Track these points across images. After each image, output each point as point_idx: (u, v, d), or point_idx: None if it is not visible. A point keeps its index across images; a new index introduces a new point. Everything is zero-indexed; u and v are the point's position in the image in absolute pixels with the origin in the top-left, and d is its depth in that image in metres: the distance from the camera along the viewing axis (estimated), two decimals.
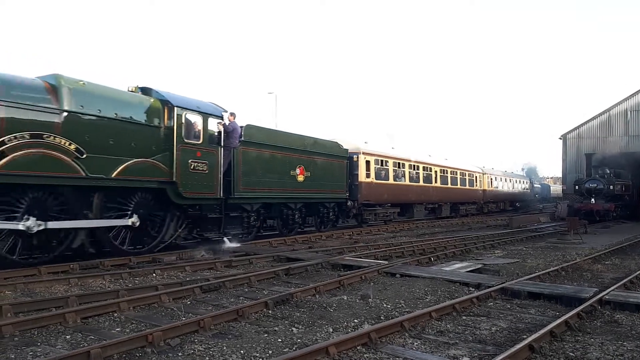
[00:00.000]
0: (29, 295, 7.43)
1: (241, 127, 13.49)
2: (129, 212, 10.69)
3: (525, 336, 5.51)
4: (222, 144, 12.51)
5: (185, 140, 11.50)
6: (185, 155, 11.47)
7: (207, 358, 4.82)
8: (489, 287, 8.08)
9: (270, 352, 5.01)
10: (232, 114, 13.10)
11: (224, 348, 5.08)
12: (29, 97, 8.92)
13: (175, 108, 11.31)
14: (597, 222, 25.52)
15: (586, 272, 10.37)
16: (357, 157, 19.89)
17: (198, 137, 11.84)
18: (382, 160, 21.99)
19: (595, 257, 12.30)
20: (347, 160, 18.66)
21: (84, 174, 9.56)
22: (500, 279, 8.87)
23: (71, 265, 9.72)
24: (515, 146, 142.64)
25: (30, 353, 4.85)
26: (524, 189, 45.44)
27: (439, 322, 6.24)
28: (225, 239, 12.89)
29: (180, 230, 11.97)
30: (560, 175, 39.48)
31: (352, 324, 6.09)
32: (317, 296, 7.56)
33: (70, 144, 9.38)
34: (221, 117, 12.70)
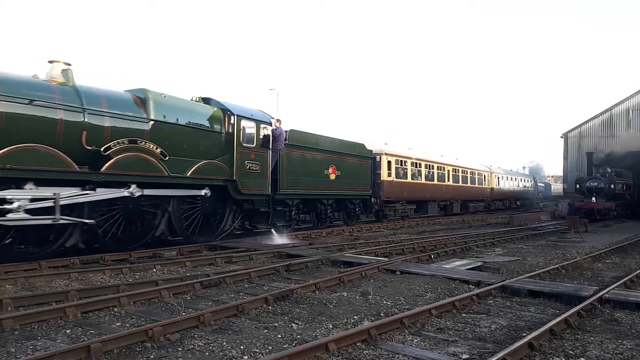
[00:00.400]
0: (29, 289, 7.45)
1: (285, 131, 14.95)
2: (199, 206, 12.38)
3: (525, 334, 5.51)
4: (270, 147, 14.07)
5: (243, 144, 13.25)
6: (243, 157, 13.21)
7: (207, 353, 4.83)
8: (489, 284, 8.08)
9: (270, 347, 5.02)
10: (278, 120, 14.66)
11: (224, 343, 5.09)
12: (125, 109, 10.73)
13: (235, 116, 13.05)
14: (597, 221, 25.52)
15: (586, 270, 10.37)
16: (380, 158, 21.55)
17: (252, 142, 13.55)
18: (401, 161, 23.67)
19: (596, 255, 12.30)
20: (371, 161, 20.19)
21: (167, 174, 11.23)
22: (501, 277, 8.87)
23: (72, 260, 9.74)
24: (519, 144, 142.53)
25: (31, 347, 4.86)
26: (528, 187, 46.73)
27: (439, 320, 6.24)
28: (272, 230, 14.48)
29: (237, 222, 13.74)
30: (561, 173, 39.65)
31: (352, 321, 6.10)
32: (317, 292, 7.57)
33: (157, 148, 11.01)
34: (270, 124, 14.33)
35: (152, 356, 4.73)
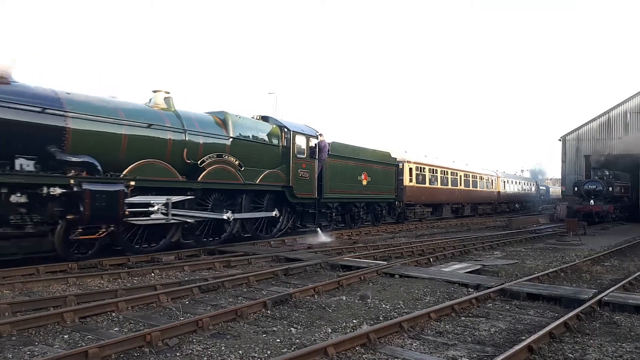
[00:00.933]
0: (26, 294, 7.42)
1: (328, 143, 17.19)
2: (263, 208, 14.59)
3: (524, 337, 5.51)
4: (317, 157, 16.47)
5: (297, 156, 15.57)
6: (296, 167, 15.53)
7: (205, 358, 4.81)
8: (488, 288, 8.07)
9: (268, 352, 5.00)
10: (321, 134, 16.93)
11: (223, 348, 5.07)
12: (212, 129, 13.08)
13: (291, 132, 15.40)
14: (596, 224, 25.52)
15: (585, 273, 10.36)
16: (403, 165, 23.89)
17: (303, 153, 15.92)
18: (420, 167, 26.07)
19: (594, 258, 12.30)
20: (395, 167, 22.29)
21: (242, 181, 13.42)
22: (500, 280, 8.86)
23: (69, 265, 9.71)
24: (520, 147, 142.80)
25: (28, 352, 4.83)
26: (531, 190, 49.05)
27: (438, 323, 6.23)
28: (318, 229, 16.51)
29: (290, 222, 15.89)
30: (559, 176, 39.85)
31: (351, 325, 6.08)
32: (316, 296, 7.55)
33: (235, 160, 13.33)
34: (316, 137, 16.67)
35: None
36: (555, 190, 56.85)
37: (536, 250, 14.59)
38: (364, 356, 4.94)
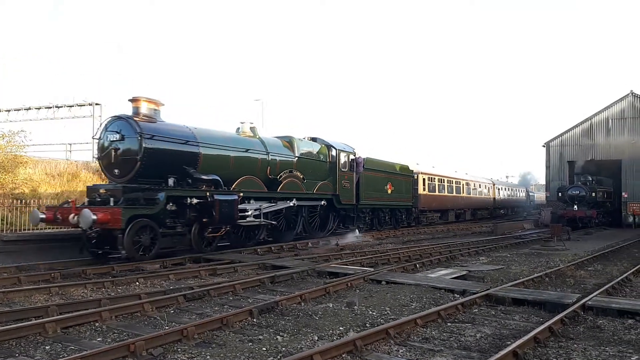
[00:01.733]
0: (7, 305, 7.29)
1: (363, 158, 20.59)
2: (317, 213, 17.99)
3: (509, 342, 5.54)
4: (354, 170, 19.72)
5: (341, 169, 18.91)
6: (341, 178, 18.86)
7: None
8: (474, 293, 8.11)
9: None
10: (356, 152, 20.33)
11: (208, 357, 5.02)
12: (283, 151, 16.51)
13: (336, 150, 18.80)
14: (579, 229, 25.84)
15: (569, 278, 10.47)
16: (417, 176, 27.16)
17: (345, 167, 19.27)
18: (431, 178, 29.47)
19: (578, 263, 12.44)
20: (412, 178, 25.69)
21: (304, 191, 16.85)
22: (485, 286, 8.92)
23: (52, 274, 9.57)
24: (507, 153, 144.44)
25: None
26: (522, 196, 53.19)
27: (424, 329, 6.24)
28: (356, 230, 20.10)
29: (335, 224, 19.15)
30: (544, 182, 40.54)
31: (338, 332, 6.07)
32: (302, 304, 7.52)
33: (300, 174, 16.77)
34: (354, 154, 20.06)
35: None
36: (540, 195, 58.22)
37: (521, 255, 14.71)
38: None
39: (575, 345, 5.67)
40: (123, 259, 11.20)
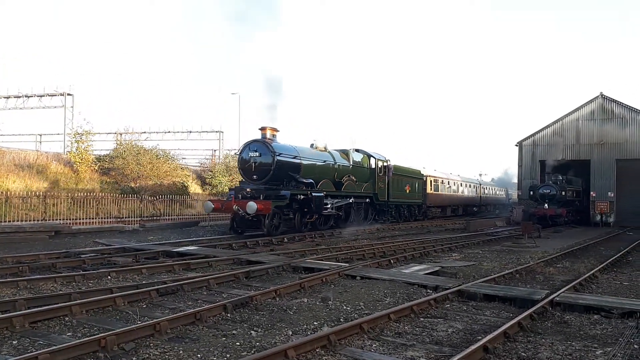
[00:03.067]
0: None
1: (392, 165, 25.67)
2: (363, 207, 22.62)
3: (480, 337, 5.64)
4: (387, 175, 24.72)
5: (378, 174, 23.78)
6: (378, 181, 23.79)
7: None
8: (446, 289, 8.24)
9: (228, 355, 4.95)
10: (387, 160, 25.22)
11: (181, 352, 4.98)
12: (343, 160, 21.28)
13: (374, 159, 23.78)
14: (550, 227, 26.44)
15: (539, 274, 10.72)
16: (426, 178, 32.34)
17: (380, 172, 24.16)
18: (435, 179, 34.62)
19: (548, 260, 12.74)
20: (422, 180, 31.22)
21: (357, 191, 21.71)
22: (457, 282, 9.06)
23: (20, 267, 9.35)
24: (480, 152, 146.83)
25: None
26: (503, 195, 59.35)
27: (397, 324, 6.31)
28: (387, 222, 25.15)
29: (373, 216, 23.70)
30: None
31: (312, 327, 6.09)
32: (277, 299, 7.52)
33: (354, 178, 21.43)
34: (387, 161, 24.93)
35: None
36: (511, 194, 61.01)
37: (493, 252, 14.98)
38: (324, 358, 4.96)
39: (543, 340, 5.82)
40: (265, 234, 16.20)
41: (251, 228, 16.89)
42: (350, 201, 20.93)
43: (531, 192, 30.49)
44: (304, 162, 18.43)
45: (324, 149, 20.44)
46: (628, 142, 31.59)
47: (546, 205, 28.69)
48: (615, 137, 31.86)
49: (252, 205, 15.24)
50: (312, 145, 20.17)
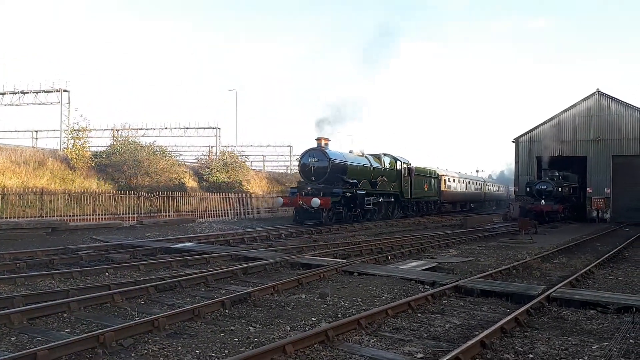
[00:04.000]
0: None
1: (414, 167, 29.40)
2: (391, 204, 26.59)
3: (477, 332, 5.67)
4: (410, 175, 28.33)
5: (403, 175, 27.52)
6: (403, 181, 27.57)
7: (162, 358, 4.73)
8: (444, 285, 8.27)
9: (226, 351, 4.96)
10: (410, 163, 29.04)
11: (179, 348, 4.99)
12: (375, 163, 25.35)
13: (400, 162, 27.48)
14: (546, 223, 26.52)
15: (535, 270, 10.76)
16: (441, 177, 35.47)
17: (405, 173, 27.84)
18: (448, 178, 37.84)
19: (544, 256, 12.79)
20: (437, 179, 34.52)
21: (389, 190, 26.11)
22: (454, 277, 9.09)
23: (17, 264, 9.34)
24: (478, 148, 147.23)
25: None
26: (504, 191, 62.53)
27: (395, 320, 6.34)
28: (410, 217, 28.46)
29: (398, 212, 27.52)
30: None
31: (310, 323, 6.11)
32: (275, 295, 7.53)
33: (385, 179, 25.40)
34: (409, 164, 28.68)
35: None
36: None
37: (490, 248, 15.04)
38: (322, 354, 4.97)
39: (539, 335, 5.85)
40: (323, 224, 19.98)
41: (309, 219, 20.52)
42: (380, 200, 25.29)
43: (528, 189, 30.56)
44: (349, 166, 22.38)
45: (361, 154, 24.91)
46: (624, 138, 31.68)
47: (543, 201, 28.76)
48: (612, 134, 31.95)
49: (316, 201, 19.45)
50: (351, 151, 24.72)
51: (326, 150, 21.28)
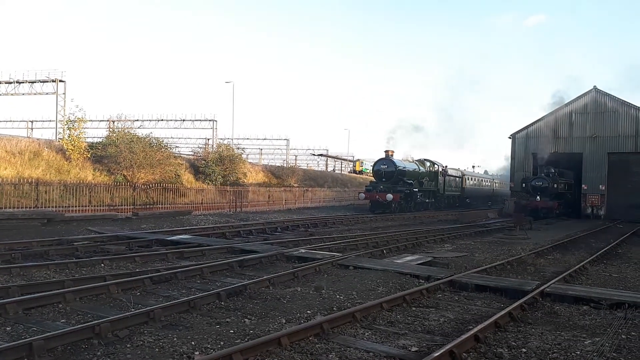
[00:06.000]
0: None
1: (447, 169, 36.51)
2: (430, 197, 33.56)
3: (471, 327, 5.72)
4: (443, 176, 35.34)
5: (439, 176, 34.68)
6: (439, 180, 34.80)
7: (157, 349, 4.74)
8: (438, 279, 8.31)
9: (221, 343, 4.98)
10: (444, 165, 36.20)
11: (175, 339, 5.01)
12: (421, 167, 32.56)
13: (437, 165, 34.62)
14: (541, 219, 26.63)
15: (530, 266, 10.83)
16: (463, 176, 42.02)
17: (440, 174, 34.78)
18: (469, 177, 44.76)
19: (539, 252, 12.87)
20: (461, 178, 41.13)
21: (430, 188, 33.58)
22: (449, 272, 9.14)
23: (13, 254, 9.32)
24: (474, 144, 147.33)
25: None
26: (507, 188, 63.39)
27: (390, 313, 6.37)
28: (443, 209, 34.10)
29: (434, 204, 33.73)
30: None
31: (305, 315, 6.14)
32: (270, 288, 7.56)
33: (428, 179, 33.36)
34: (443, 166, 35.58)
35: (99, 353, 4.60)
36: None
37: (485, 243, 15.10)
38: (317, 346, 5.00)
39: (533, 329, 5.90)
40: (392, 212, 26.88)
41: (380, 209, 27.23)
42: (425, 195, 31.97)
43: (523, 185, 30.65)
44: (407, 170, 29.93)
45: (411, 160, 32.30)
46: (620, 135, 31.78)
47: (538, 197, 28.86)
48: (608, 131, 32.05)
49: (390, 196, 26.72)
50: (403, 159, 31.39)
51: (393, 159, 29.22)
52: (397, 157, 30.25)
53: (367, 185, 30.23)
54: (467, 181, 43.46)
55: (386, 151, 29.38)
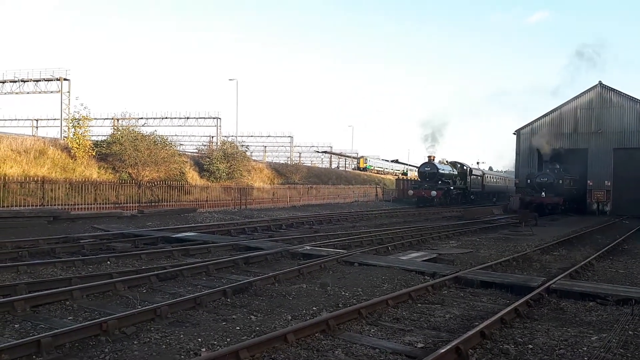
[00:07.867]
0: None
1: (472, 168, 43.12)
2: (460, 194, 40.02)
3: (477, 323, 5.70)
4: (470, 175, 41.28)
5: (467, 175, 40.96)
6: (467, 178, 41.01)
7: (164, 346, 4.77)
8: (444, 276, 8.31)
9: (228, 339, 5.00)
10: (470, 166, 42.38)
11: (181, 336, 5.03)
12: (452, 170, 38.69)
13: (466, 166, 41.52)
14: (546, 215, 26.53)
15: (535, 262, 10.80)
16: (483, 175, 47.09)
17: (467, 173, 41.08)
18: (487, 175, 49.91)
19: (544, 248, 12.83)
20: (482, 176, 46.02)
21: (460, 186, 39.97)
22: (455, 268, 9.13)
23: (20, 252, 9.38)
24: (481, 140, 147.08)
25: None
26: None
27: (395, 310, 6.37)
28: (468, 204, 39.35)
29: (462, 200, 40.16)
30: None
31: (311, 312, 6.15)
32: (276, 285, 7.57)
33: (460, 179, 39.69)
34: (469, 167, 42.03)
35: (106, 350, 4.62)
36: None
37: (490, 240, 15.07)
38: (323, 342, 5.01)
39: (539, 326, 5.89)
40: (435, 205, 32.63)
41: (424, 203, 33.22)
42: (457, 192, 37.95)
43: (528, 181, 30.55)
44: (445, 172, 35.79)
45: (446, 163, 38.30)
46: (626, 131, 31.60)
47: (543, 193, 28.76)
48: (613, 126, 31.87)
49: (434, 192, 32.82)
50: (439, 162, 36.46)
51: (434, 163, 35.40)
52: (436, 160, 37.11)
53: (413, 184, 38.58)
54: (487, 179, 49.92)
55: (429, 156, 36.14)
